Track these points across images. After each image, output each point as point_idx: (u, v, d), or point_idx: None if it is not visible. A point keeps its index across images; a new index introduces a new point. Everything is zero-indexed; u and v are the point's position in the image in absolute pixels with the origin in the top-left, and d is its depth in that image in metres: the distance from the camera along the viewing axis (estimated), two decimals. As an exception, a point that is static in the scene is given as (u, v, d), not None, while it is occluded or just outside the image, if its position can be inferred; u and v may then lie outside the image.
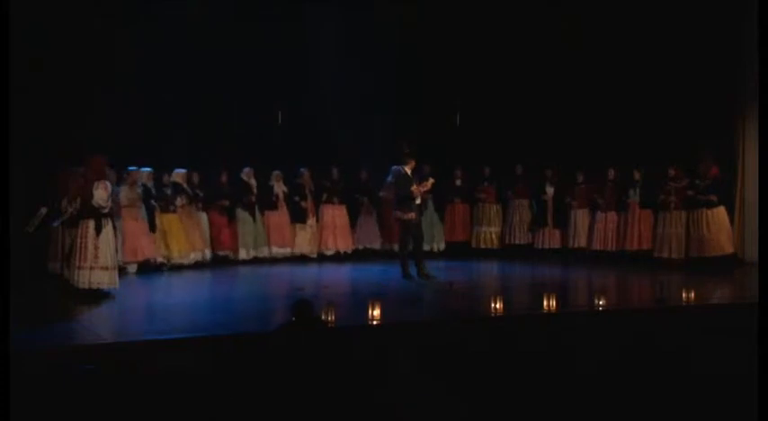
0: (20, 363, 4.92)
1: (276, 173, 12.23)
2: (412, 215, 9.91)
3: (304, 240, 12.40)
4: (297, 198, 12.26)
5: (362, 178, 12.69)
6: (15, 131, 6.38)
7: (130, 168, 10.62)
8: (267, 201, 12.18)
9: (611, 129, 12.27)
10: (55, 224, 8.90)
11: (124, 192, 10.45)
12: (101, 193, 8.41)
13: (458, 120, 13.23)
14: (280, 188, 12.27)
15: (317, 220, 12.52)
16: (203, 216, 11.70)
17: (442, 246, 13.17)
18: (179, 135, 11.62)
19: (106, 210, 8.49)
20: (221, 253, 11.85)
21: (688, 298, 8.04)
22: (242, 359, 5.55)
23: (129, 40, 11.31)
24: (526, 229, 12.92)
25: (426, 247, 12.27)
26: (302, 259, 12.31)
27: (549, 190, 12.69)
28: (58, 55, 10.49)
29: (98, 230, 8.37)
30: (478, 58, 12.91)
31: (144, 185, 10.82)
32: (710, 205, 11.16)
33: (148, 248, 10.76)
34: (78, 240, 8.35)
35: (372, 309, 6.99)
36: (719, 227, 11.19)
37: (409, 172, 9.97)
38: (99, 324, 7.20)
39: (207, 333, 6.65)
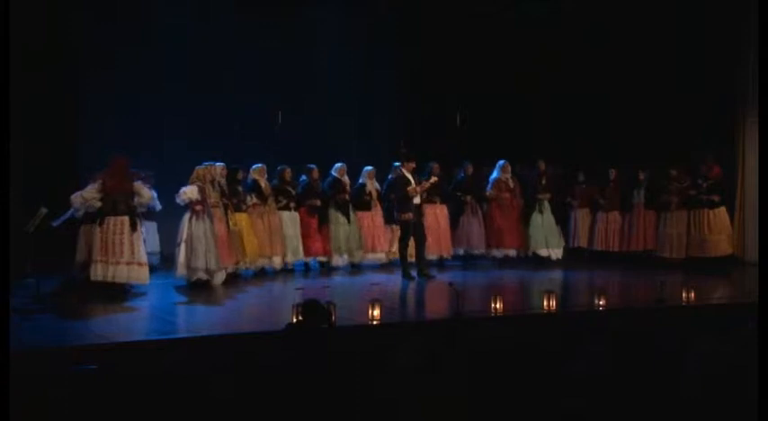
0: (20, 363, 4.92)
1: (369, 169, 11.07)
2: (409, 215, 9.91)
3: None
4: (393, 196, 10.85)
5: (467, 174, 11.57)
6: (15, 131, 6.38)
7: (206, 163, 9.48)
8: (360, 201, 11.02)
9: (613, 128, 12.30)
10: (55, 224, 8.89)
11: (210, 191, 9.36)
12: (147, 192, 8.61)
13: (458, 120, 13.24)
14: (372, 186, 11.10)
15: None
16: (280, 217, 10.49)
17: (559, 253, 11.83)
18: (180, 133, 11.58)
19: (143, 209, 8.70)
20: (310, 259, 10.83)
21: (688, 298, 8.05)
22: (243, 359, 5.55)
23: (128, 40, 11.33)
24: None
25: (544, 253, 11.68)
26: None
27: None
28: (58, 55, 10.50)
29: (133, 227, 8.47)
30: (479, 58, 12.90)
31: (218, 182, 9.67)
32: (712, 205, 11.17)
33: (232, 252, 9.65)
34: (111, 236, 8.35)
35: (372, 310, 7.01)
36: (720, 227, 11.21)
37: (407, 172, 9.97)
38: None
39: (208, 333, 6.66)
